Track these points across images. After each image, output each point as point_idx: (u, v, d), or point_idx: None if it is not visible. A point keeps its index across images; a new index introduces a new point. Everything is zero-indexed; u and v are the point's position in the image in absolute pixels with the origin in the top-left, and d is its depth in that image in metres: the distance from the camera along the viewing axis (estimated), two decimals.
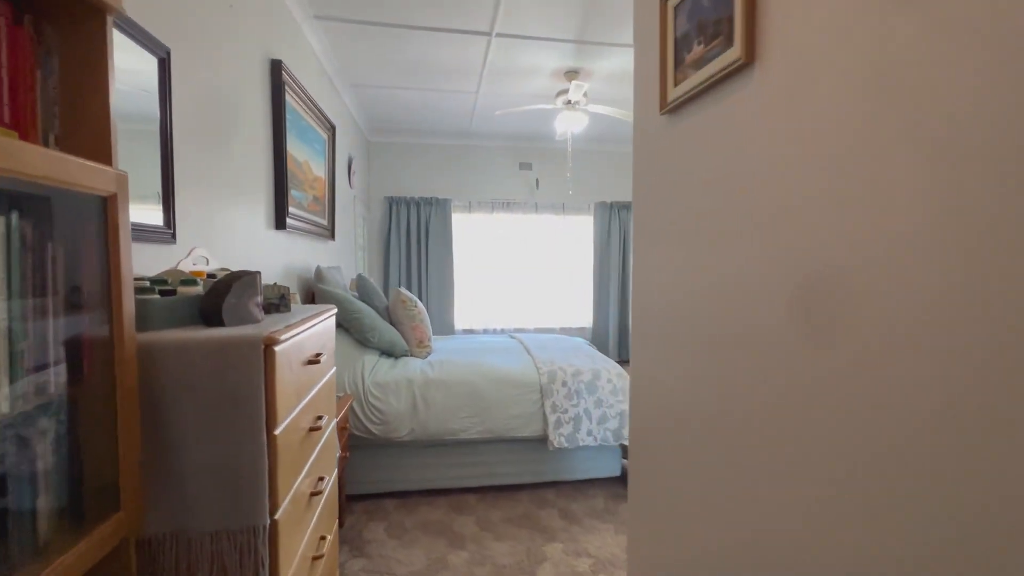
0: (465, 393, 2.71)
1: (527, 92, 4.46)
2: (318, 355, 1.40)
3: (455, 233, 6.23)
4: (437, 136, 6.03)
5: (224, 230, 2.03)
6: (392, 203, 5.95)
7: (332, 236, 3.82)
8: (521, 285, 6.41)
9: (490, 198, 6.22)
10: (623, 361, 6.45)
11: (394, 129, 5.81)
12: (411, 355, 3.21)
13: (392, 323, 3.28)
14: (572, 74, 3.96)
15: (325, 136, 3.64)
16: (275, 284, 1.41)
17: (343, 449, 2.31)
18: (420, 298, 6.03)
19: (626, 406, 2.82)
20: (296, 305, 1.78)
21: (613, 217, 6.38)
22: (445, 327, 6.08)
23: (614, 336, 6.37)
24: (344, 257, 4.56)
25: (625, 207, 6.39)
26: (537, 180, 6.27)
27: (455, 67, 3.96)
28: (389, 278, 5.96)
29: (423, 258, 6.01)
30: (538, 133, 5.90)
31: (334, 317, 1.69)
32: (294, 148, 2.92)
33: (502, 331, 6.31)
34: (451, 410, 2.66)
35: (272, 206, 2.61)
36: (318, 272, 3.07)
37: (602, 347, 6.41)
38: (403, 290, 3.33)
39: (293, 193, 2.90)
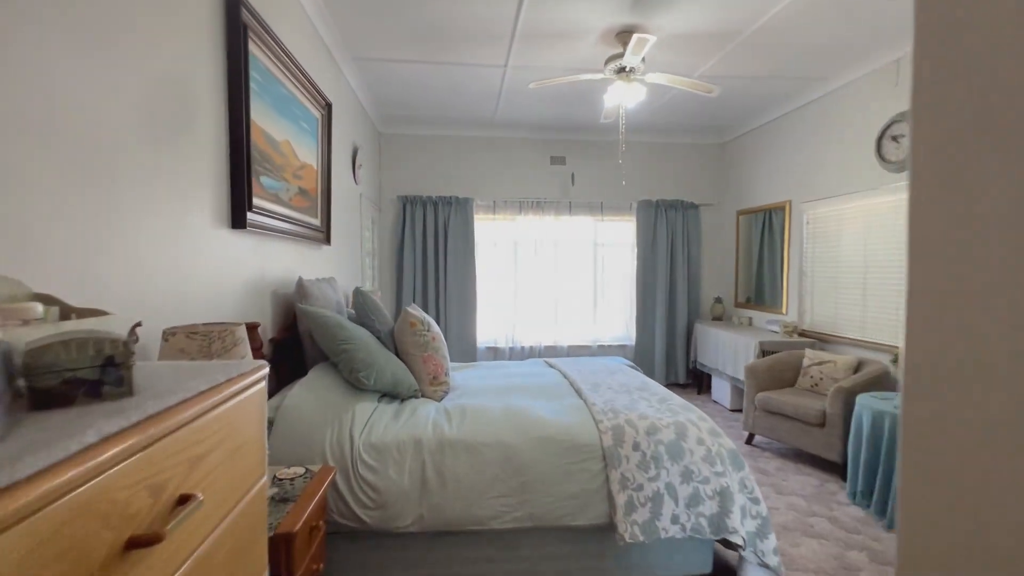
0: (498, 460, 1.90)
1: (568, 62, 3.66)
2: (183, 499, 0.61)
3: (478, 237, 5.45)
4: (457, 126, 5.28)
5: (112, 233, 1.28)
6: (406, 203, 5.21)
7: (327, 240, 3.08)
8: (553, 296, 5.59)
9: (518, 197, 5.43)
10: (672, 385, 5.56)
11: (408, 118, 5.08)
12: (422, 395, 2.43)
13: (399, 353, 2.50)
14: (625, 35, 3.15)
15: (317, 115, 2.91)
16: (96, 338, 0.63)
17: (317, 560, 1.52)
18: (437, 312, 5.26)
19: (728, 480, 1.97)
20: (181, 363, 1.01)
21: (659, 217, 5.52)
22: (466, 344, 5.29)
23: (661, 356, 5.48)
24: (346, 266, 3.82)
25: (674, 206, 5.53)
26: (573, 175, 5.45)
27: (480, 30, 3.19)
28: (402, 289, 5.21)
29: (441, 265, 5.24)
30: (572, 121, 5.10)
31: (261, 386, 0.90)
32: (267, 121, 2.17)
33: (531, 349, 5.49)
34: (478, 488, 1.85)
35: (226, 196, 1.86)
36: (300, 287, 2.31)
37: (647, 369, 5.53)
38: (413, 309, 2.56)
39: (264, 181, 2.15)
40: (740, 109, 4.76)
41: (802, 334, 4.32)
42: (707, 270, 5.76)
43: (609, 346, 5.67)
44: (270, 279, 2.29)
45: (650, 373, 5.55)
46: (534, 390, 2.60)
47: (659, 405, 2.30)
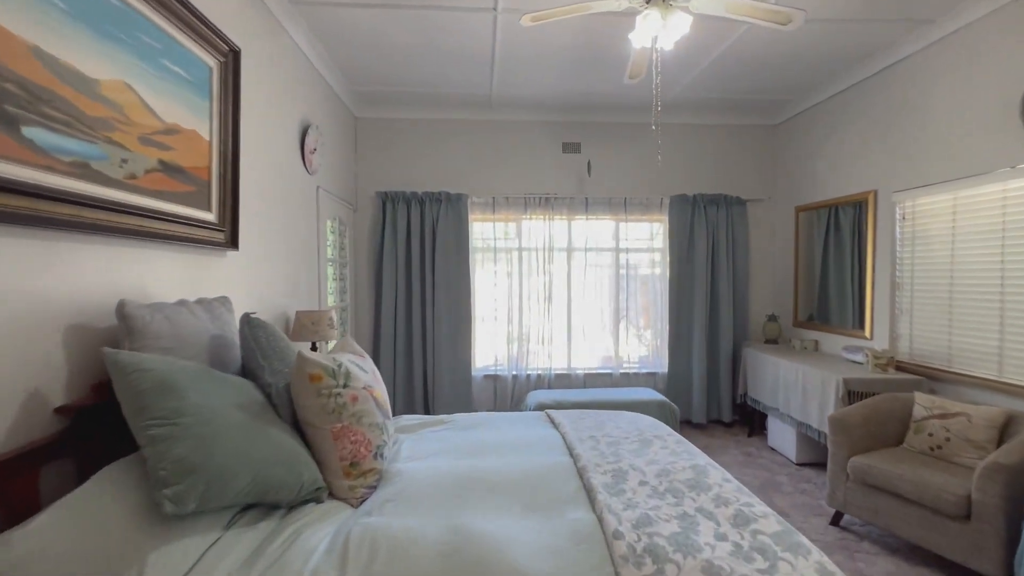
0: None
1: None
2: None
3: (474, 241, 4.51)
4: (448, 107, 4.36)
5: None
6: (386, 200, 4.30)
7: (231, 243, 2.16)
8: (566, 312, 4.59)
9: (522, 193, 4.46)
10: (715, 423, 4.48)
11: (388, 98, 4.18)
12: (330, 495, 1.47)
13: (298, 424, 1.55)
14: None
15: (211, 63, 2.01)
16: None
17: None
18: (424, 333, 4.32)
19: None
20: None
21: (697, 216, 4.47)
22: (459, 372, 4.33)
23: (700, 387, 4.41)
24: (284, 280, 2.90)
25: (715, 202, 4.48)
26: (589, 163, 4.45)
27: None
28: (382, 305, 4.28)
29: (428, 276, 4.30)
30: (588, 96, 4.12)
31: None
32: (47, 33, 1.27)
33: (538, 377, 4.49)
34: None
35: None
36: (122, 316, 1.39)
37: (683, 402, 4.48)
38: (311, 354, 1.61)
39: (41, 136, 1.24)
40: (803, 76, 3.71)
41: (900, 367, 3.21)
42: (757, 281, 4.68)
43: (636, 374, 4.63)
44: (69, 305, 1.37)
45: (687, 408, 4.49)
46: (516, 481, 1.60)
47: (739, 530, 1.28)
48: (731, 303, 4.48)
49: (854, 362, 3.45)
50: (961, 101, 2.84)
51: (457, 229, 4.33)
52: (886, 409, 2.72)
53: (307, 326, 2.78)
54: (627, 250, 4.66)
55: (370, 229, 4.37)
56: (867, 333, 3.52)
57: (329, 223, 3.72)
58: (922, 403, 2.64)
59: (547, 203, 4.48)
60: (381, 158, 4.42)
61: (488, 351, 4.61)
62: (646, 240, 4.71)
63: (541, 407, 3.90)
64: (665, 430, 2.30)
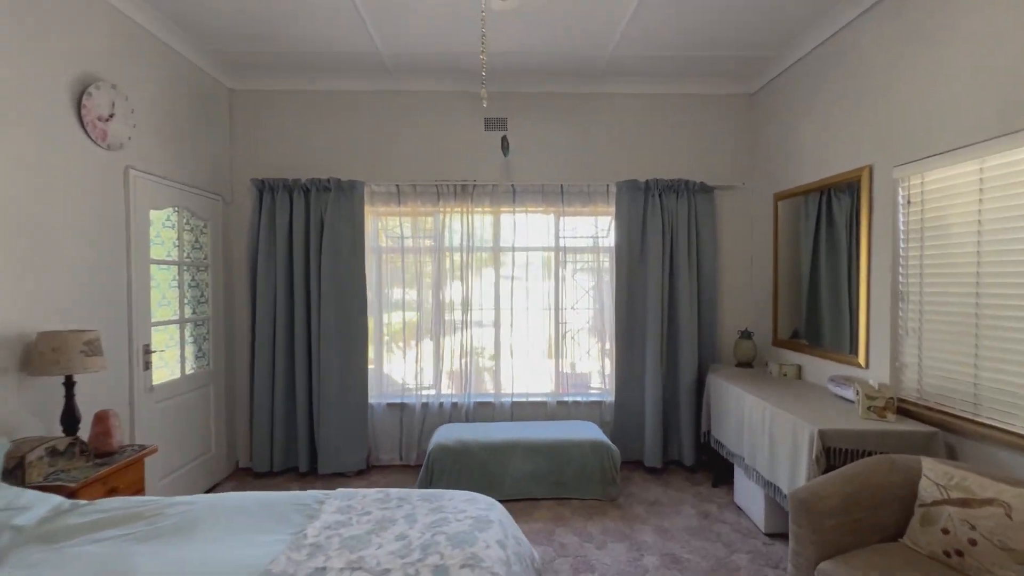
0: None
1: None
2: None
3: (373, 239, 3.70)
4: (337, 74, 3.56)
5: None
6: (264, 189, 3.50)
7: None
8: (491, 325, 3.74)
9: (435, 179, 3.63)
10: (672, 465, 3.58)
11: (265, 64, 3.41)
12: None
13: None
14: None
15: None
16: None
17: None
18: (310, 349, 3.50)
19: None
20: None
21: (652, 206, 3.59)
22: (353, 401, 3.50)
23: (655, 421, 3.50)
24: (16, 288, 2.09)
25: (675, 189, 3.59)
26: (505, 139, 3.59)
27: None
28: (256, 318, 3.48)
29: (314, 282, 3.49)
30: (511, 59, 3.29)
31: None
32: None
33: (454, 406, 3.64)
34: None
35: None
36: None
37: (634, 440, 3.58)
38: None
39: None
40: (783, 14, 2.82)
41: (905, 411, 2.29)
42: (729, 289, 3.76)
43: (577, 403, 3.74)
44: None
45: (638, 446, 3.59)
46: None
47: None
48: (695, 316, 3.57)
49: (842, 398, 2.53)
50: (1001, 23, 1.93)
51: (351, 225, 3.51)
52: (878, 483, 1.81)
53: (47, 354, 1.98)
54: (568, 250, 3.79)
55: (249, 225, 3.58)
56: (860, 360, 2.60)
57: (167, 215, 2.93)
58: (934, 476, 1.73)
59: (466, 193, 3.64)
60: (262, 139, 3.64)
61: (396, 374, 3.77)
62: (590, 238, 3.83)
63: (441, 451, 3.06)
64: (498, 535, 1.44)
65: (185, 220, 3.11)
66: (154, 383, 2.80)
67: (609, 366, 3.77)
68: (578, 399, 3.73)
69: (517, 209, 3.69)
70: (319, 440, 3.44)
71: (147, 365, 2.72)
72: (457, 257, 3.67)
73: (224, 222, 3.52)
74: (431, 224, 3.72)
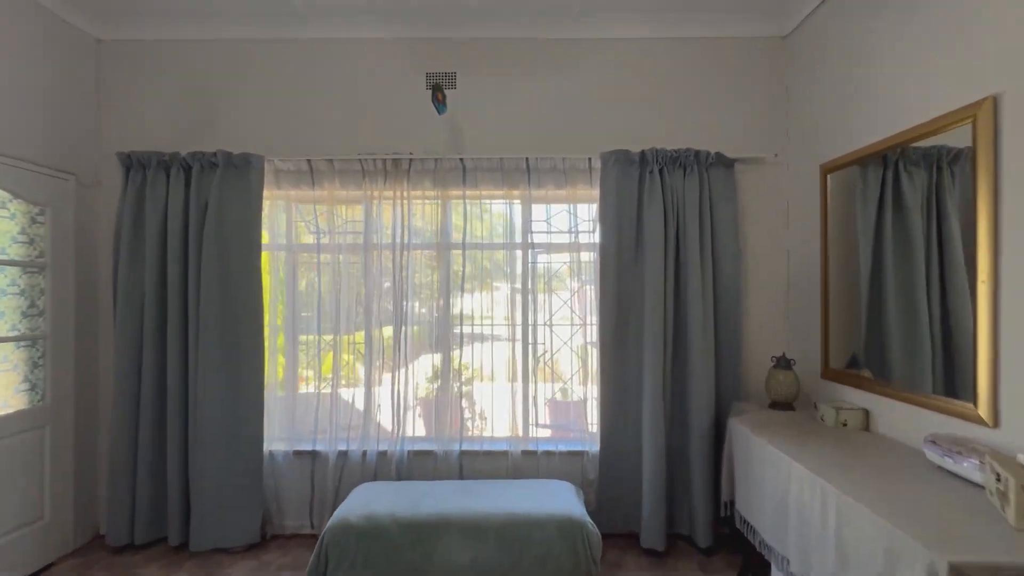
0: None
1: None
2: None
3: (283, 233, 2.83)
4: (234, 20, 2.72)
5: None
6: (132, 167, 2.65)
7: None
8: (440, 350, 2.81)
9: (359, 152, 2.74)
10: (679, 540, 2.57)
11: (145, 5, 2.59)
12: None
13: None
14: None
15: None
16: None
17: None
18: (187, 377, 2.60)
19: None
20: None
21: (650, 186, 2.64)
22: (242, 444, 2.59)
23: (656, 484, 2.51)
24: None
25: (679, 162, 2.63)
26: (437, 89, 2.63)
27: None
28: (117, 337, 2.61)
29: (193, 289, 2.60)
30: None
31: None
32: None
33: (391, 455, 2.70)
34: None
35: None
36: None
37: (627, 506, 2.60)
38: None
39: None
40: None
41: None
42: (757, 298, 2.77)
43: (550, 453, 2.77)
44: None
45: (633, 515, 2.61)
46: None
47: None
48: (710, 336, 2.60)
49: (958, 477, 1.52)
50: None
51: (244, 212, 2.63)
52: None
53: None
54: (540, 247, 2.86)
55: (105, 211, 2.73)
56: (983, 410, 1.60)
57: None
58: None
59: (400, 171, 2.74)
60: (139, 104, 2.81)
61: (304, 413, 2.85)
62: (568, 232, 2.89)
63: (342, 532, 2.13)
64: None
65: (3, 204, 2.27)
66: None
67: (591, 405, 2.80)
68: (551, 448, 2.76)
69: (469, 193, 2.77)
70: (193, 501, 2.53)
71: None
72: (390, 257, 2.76)
73: (80, 209, 2.67)
74: (360, 213, 2.82)
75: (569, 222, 2.85)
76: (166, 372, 2.58)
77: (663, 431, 2.54)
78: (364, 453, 2.69)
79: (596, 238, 2.77)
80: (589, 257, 2.85)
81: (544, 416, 2.92)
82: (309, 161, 2.72)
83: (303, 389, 2.88)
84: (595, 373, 2.78)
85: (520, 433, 2.81)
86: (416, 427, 2.79)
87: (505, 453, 2.74)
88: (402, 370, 2.72)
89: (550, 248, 2.89)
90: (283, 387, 2.85)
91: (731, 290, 2.66)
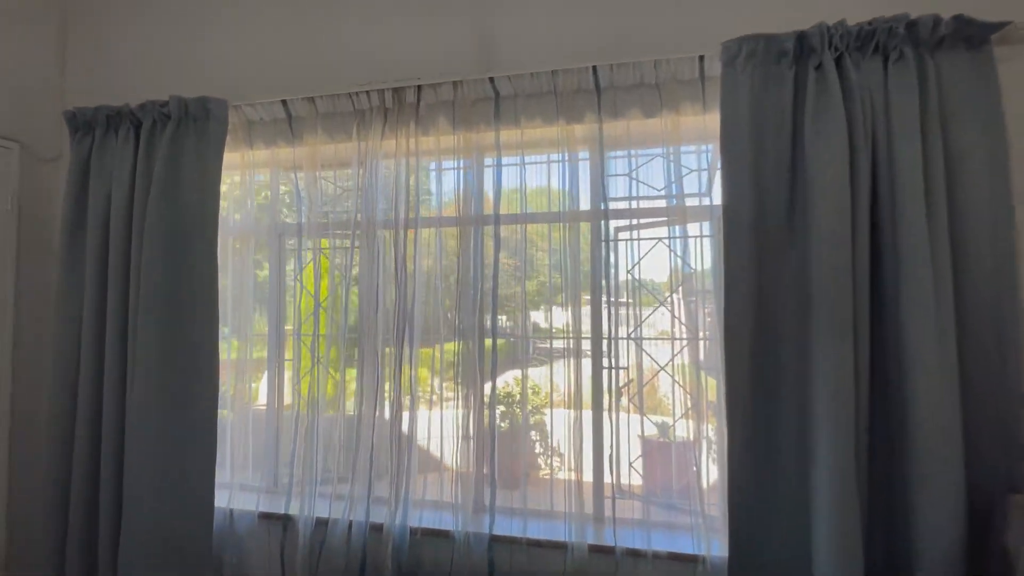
0: None
1: None
2: None
3: (260, 207, 2.08)
4: None
5: None
6: (80, 127, 2.06)
7: None
8: (453, 363, 1.85)
9: (349, 82, 1.89)
10: None
11: None
12: None
13: None
14: None
15: None
16: None
17: None
18: (121, 405, 1.91)
19: None
20: None
21: (815, 93, 1.46)
22: (185, 502, 1.83)
23: None
24: None
25: (878, 42, 1.44)
26: None
27: None
28: (59, 349, 2.00)
29: (134, 287, 1.92)
30: None
31: None
32: None
33: (369, 531, 1.78)
34: None
35: None
36: None
37: None
38: None
39: None
40: None
41: None
42: None
43: (639, 554, 1.65)
44: None
45: None
46: None
47: None
48: (950, 352, 1.34)
49: None
50: None
51: (199, 176, 1.91)
52: None
53: None
54: (616, 216, 1.81)
55: (65, 186, 2.16)
56: None
57: None
58: None
59: (405, 108, 1.86)
60: (106, 56, 2.24)
61: (271, 459, 2.04)
62: (661, 193, 1.80)
63: None
64: None
65: None
66: None
67: (718, 462, 1.66)
68: (640, 545, 1.66)
69: (505, 134, 1.80)
70: (119, 564, 1.81)
71: None
72: (390, 239, 1.87)
73: (28, 189, 2.13)
74: (351, 178, 1.98)
75: (666, 174, 1.76)
76: (102, 394, 1.91)
77: (858, 541, 1.33)
78: (350, 526, 1.80)
79: (714, 197, 1.67)
80: (702, 229, 1.73)
81: (626, 473, 1.82)
82: (285, 103, 1.94)
83: (271, 429, 2.07)
84: (710, 411, 1.65)
85: (591, 508, 1.76)
86: (430, 490, 1.85)
87: (563, 546, 1.69)
88: (400, 406, 1.81)
89: (635, 219, 1.82)
90: (268, 422, 2.07)
91: (992, 272, 1.39)
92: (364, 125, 1.89)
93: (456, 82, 1.78)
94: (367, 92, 1.85)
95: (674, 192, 1.74)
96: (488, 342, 1.80)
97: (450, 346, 1.87)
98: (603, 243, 1.78)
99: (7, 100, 2.07)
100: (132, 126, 1.99)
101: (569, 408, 1.80)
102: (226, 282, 2.02)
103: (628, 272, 1.81)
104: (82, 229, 2.00)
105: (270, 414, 2.08)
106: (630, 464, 1.81)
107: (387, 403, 1.84)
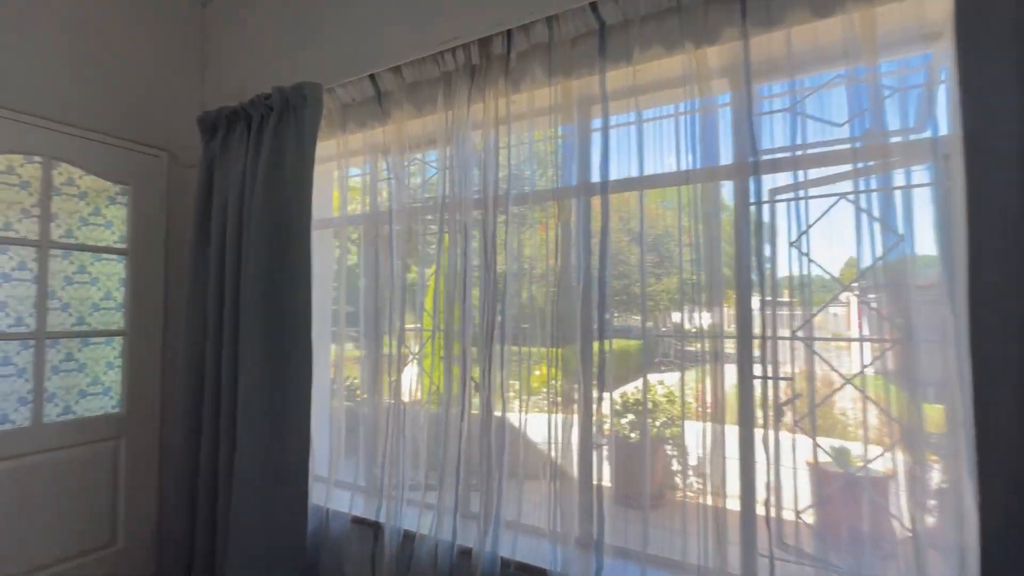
0: None
1: None
2: None
3: (333, 190, 2.00)
4: None
5: None
6: (209, 130, 2.18)
7: None
8: (568, 392, 1.52)
9: (430, 47, 1.68)
10: None
11: None
12: None
13: None
14: None
15: None
16: None
17: None
18: (236, 388, 1.96)
19: None
20: None
21: None
22: (279, 502, 1.79)
23: None
24: None
25: None
26: None
27: None
28: (186, 338, 2.15)
29: (241, 279, 1.95)
30: None
31: None
32: None
33: (457, 555, 1.53)
34: None
35: None
36: None
37: None
38: None
39: None
40: None
41: None
42: None
43: None
44: None
45: None
46: None
47: None
48: None
49: None
50: None
51: (295, 166, 1.86)
52: None
53: None
54: (772, 168, 1.30)
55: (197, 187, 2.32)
56: None
57: (7, 165, 1.84)
58: None
59: (495, 61, 1.58)
60: (240, 65, 2.38)
61: (367, 459, 1.90)
62: (843, 133, 1.23)
63: None
64: None
65: (68, 180, 2.00)
66: None
67: (932, 520, 1.08)
68: None
69: (614, 76, 1.42)
70: (227, 553, 1.83)
71: None
72: (477, 221, 1.61)
73: (174, 191, 2.34)
74: (437, 154, 1.77)
75: (853, 101, 1.21)
76: (220, 389, 1.98)
77: None
78: (436, 546, 1.58)
79: (940, 126, 1.09)
80: (909, 178, 1.15)
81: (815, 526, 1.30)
82: (374, 79, 1.80)
83: (367, 427, 1.95)
84: (917, 437, 1.07)
85: (739, 562, 1.29)
86: (528, 513, 1.55)
87: None
88: (488, 403, 1.53)
89: (803, 170, 1.29)
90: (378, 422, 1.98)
91: None
92: (449, 92, 1.66)
93: (551, 18, 1.44)
94: (452, 51, 1.61)
95: (866, 126, 1.19)
96: (598, 342, 1.43)
97: (550, 347, 1.54)
98: (752, 208, 1.30)
99: (157, 113, 2.29)
100: (245, 123, 2.04)
101: (705, 421, 1.35)
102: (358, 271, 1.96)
103: (791, 245, 1.29)
104: (207, 223, 2.11)
105: (369, 411, 1.97)
106: (797, 515, 1.29)
107: (477, 407, 1.59)
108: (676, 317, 1.58)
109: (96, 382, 2.08)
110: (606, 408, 1.45)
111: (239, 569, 1.75)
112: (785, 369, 1.30)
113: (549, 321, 1.52)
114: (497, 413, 1.53)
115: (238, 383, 1.89)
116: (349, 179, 2.04)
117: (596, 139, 1.53)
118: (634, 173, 1.42)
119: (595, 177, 1.47)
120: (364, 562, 1.76)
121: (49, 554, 1.89)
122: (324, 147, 2.02)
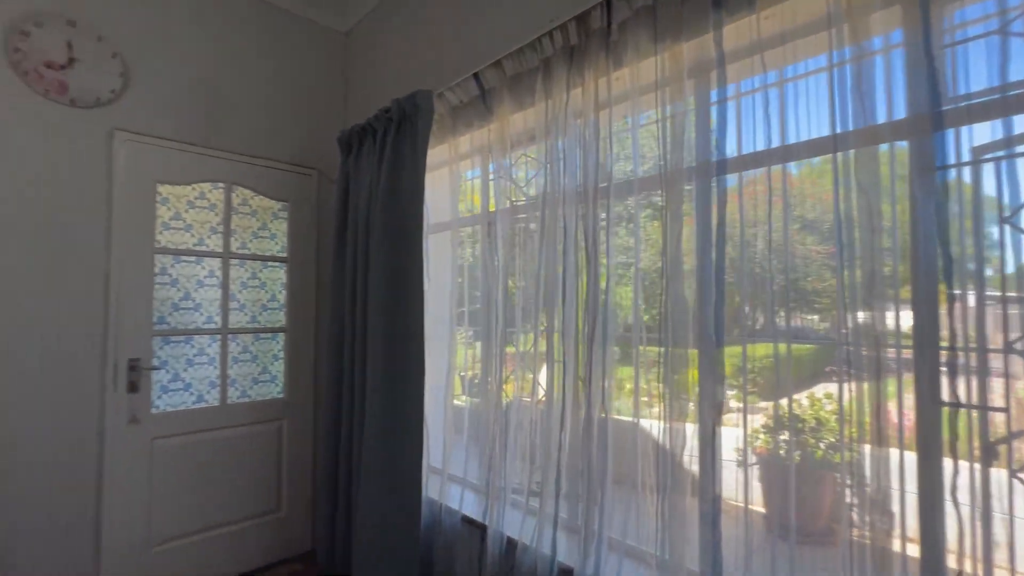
0: None
1: None
2: None
3: (433, 203, 2.02)
4: None
5: None
6: (343, 143, 2.42)
7: None
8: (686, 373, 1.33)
9: (530, 32, 1.60)
10: None
11: None
12: None
13: None
14: None
15: None
16: None
17: None
18: (356, 405, 2.12)
19: None
20: None
21: None
22: (396, 504, 1.88)
23: None
24: None
25: None
26: None
27: None
28: (329, 335, 2.40)
29: (366, 281, 2.10)
30: None
31: None
32: None
33: (559, 572, 1.43)
34: None
35: None
36: None
37: None
38: None
39: None
40: None
41: None
42: None
43: None
44: None
45: None
46: None
47: None
48: None
49: None
50: None
51: (412, 172, 1.95)
52: None
53: None
54: (978, 118, 0.95)
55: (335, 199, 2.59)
56: None
57: (200, 192, 2.25)
58: None
59: (594, 37, 1.45)
60: (380, 85, 2.61)
61: (478, 458, 1.89)
62: None
63: None
64: None
65: (243, 201, 2.38)
66: (155, 411, 2.10)
67: None
68: None
69: (732, 22, 1.18)
70: (353, 540, 1.98)
71: (133, 386, 2.04)
72: (575, 214, 1.48)
73: (322, 204, 2.65)
74: (539, 150, 1.68)
75: None
76: (354, 384, 2.17)
77: None
78: (536, 564, 1.49)
79: None
80: None
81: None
82: (477, 77, 1.79)
83: (479, 432, 1.94)
84: None
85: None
86: (627, 525, 1.38)
87: None
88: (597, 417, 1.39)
89: (1012, 117, 0.91)
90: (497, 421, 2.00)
91: None
92: (549, 78, 1.57)
93: None
94: (550, 34, 1.52)
95: None
96: (741, 347, 1.21)
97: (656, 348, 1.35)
98: (938, 173, 0.96)
99: (309, 136, 2.61)
100: (372, 137, 2.21)
101: (881, 446, 1.05)
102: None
103: (1003, 222, 0.93)
104: (344, 232, 2.33)
105: (481, 408, 1.98)
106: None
107: (581, 411, 1.47)
108: (856, 318, 1.28)
109: (265, 371, 2.44)
110: (758, 421, 1.22)
111: (362, 557, 1.88)
112: (996, 393, 0.94)
113: (692, 319, 1.32)
114: (599, 416, 1.39)
115: (366, 380, 2.04)
116: (463, 182, 2.08)
117: (715, 115, 1.30)
118: (769, 150, 1.17)
119: (730, 151, 1.24)
120: (472, 563, 1.75)
121: (228, 513, 2.27)
122: (439, 151, 2.10)
